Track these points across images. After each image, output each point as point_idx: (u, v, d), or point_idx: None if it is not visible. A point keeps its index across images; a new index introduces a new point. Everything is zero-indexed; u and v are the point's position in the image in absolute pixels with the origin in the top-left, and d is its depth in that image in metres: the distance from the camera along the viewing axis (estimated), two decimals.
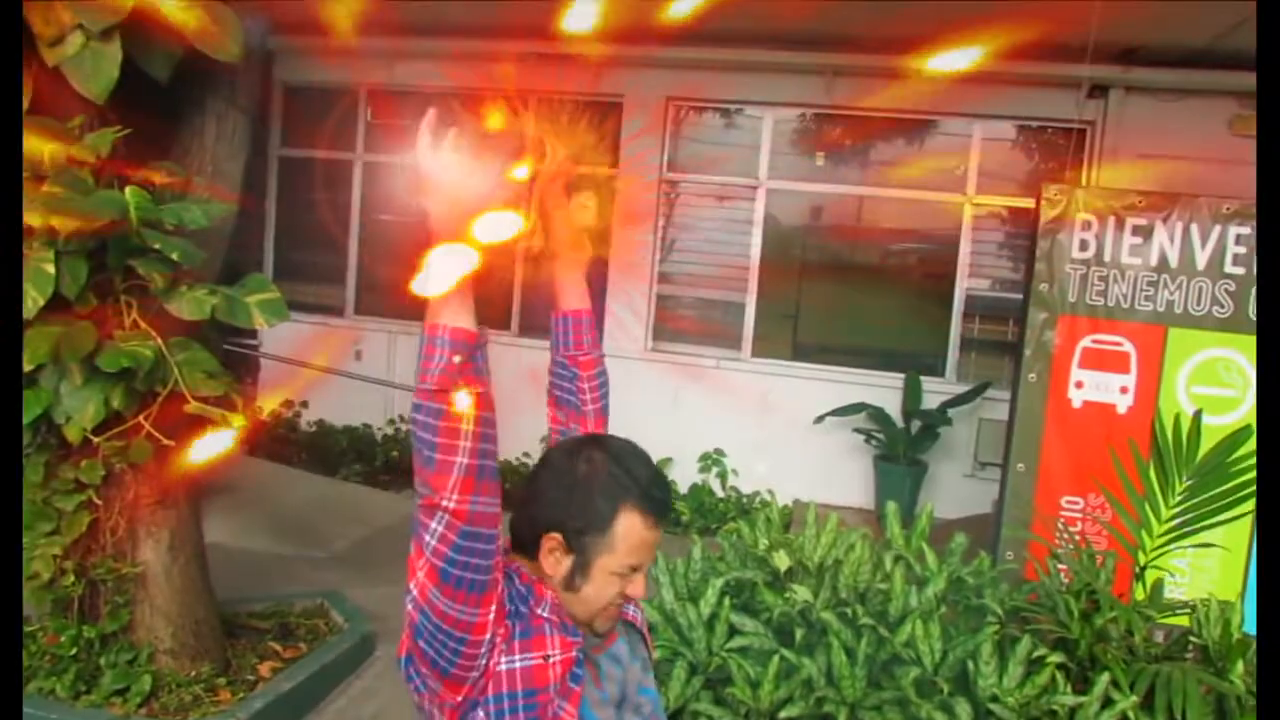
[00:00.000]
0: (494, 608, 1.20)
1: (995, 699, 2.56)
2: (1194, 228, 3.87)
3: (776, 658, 2.59)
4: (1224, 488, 3.38)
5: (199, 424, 2.97)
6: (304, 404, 7.41)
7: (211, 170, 3.37)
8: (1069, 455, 3.96)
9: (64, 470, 3.16)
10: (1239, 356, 3.83)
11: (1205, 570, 3.83)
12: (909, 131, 6.62)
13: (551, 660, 1.26)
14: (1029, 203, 5.00)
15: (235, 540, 5.05)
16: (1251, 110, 5.59)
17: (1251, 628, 2.96)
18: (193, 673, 3.42)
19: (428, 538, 1.15)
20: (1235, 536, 3.70)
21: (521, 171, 1.27)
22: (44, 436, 3.12)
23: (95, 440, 3.01)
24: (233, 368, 3.58)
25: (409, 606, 1.20)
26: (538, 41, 5.89)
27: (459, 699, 1.23)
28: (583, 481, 1.29)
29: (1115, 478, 3.56)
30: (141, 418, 3.04)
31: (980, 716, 2.54)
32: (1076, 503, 3.97)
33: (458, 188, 1.11)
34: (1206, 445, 3.49)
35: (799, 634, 2.73)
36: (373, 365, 7.18)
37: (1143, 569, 3.34)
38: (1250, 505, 3.41)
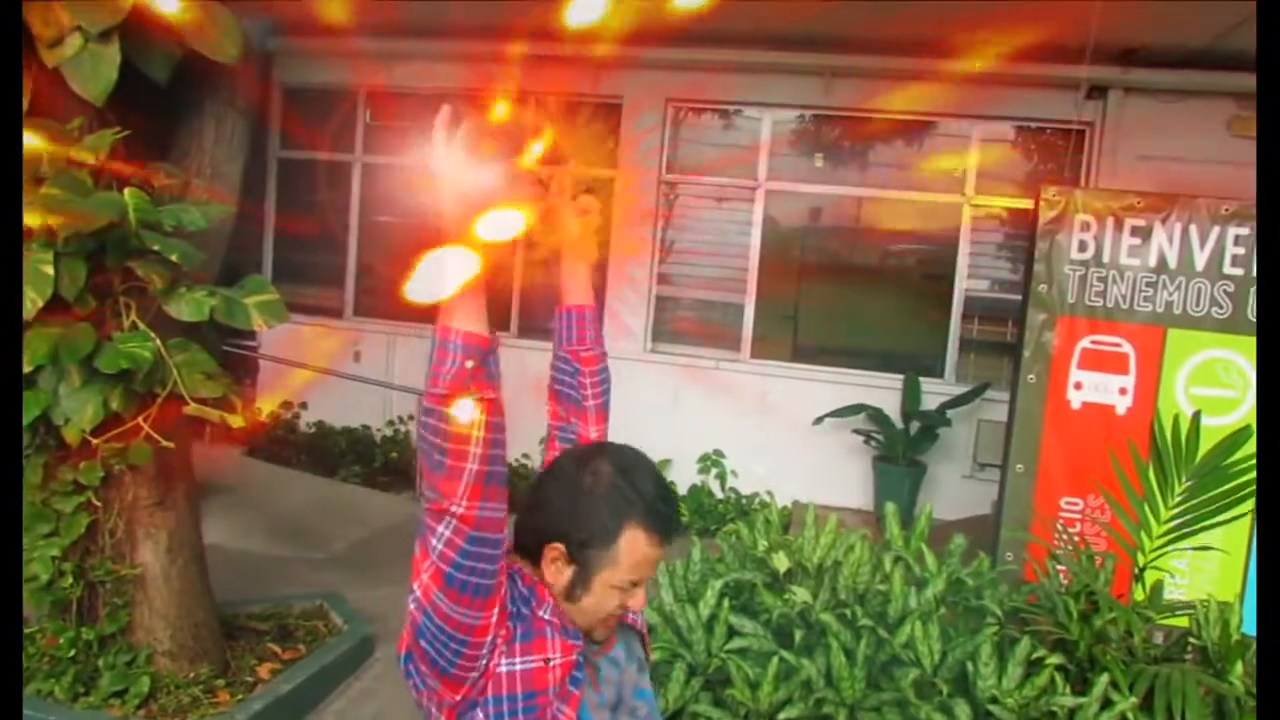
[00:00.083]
0: (496, 610, 1.20)
1: (994, 700, 2.56)
2: (1193, 229, 3.87)
3: (776, 659, 2.59)
4: (1223, 488, 3.38)
5: (198, 425, 2.97)
6: (303, 405, 7.41)
7: (210, 172, 3.37)
8: (1068, 456, 3.96)
9: (63, 472, 3.16)
10: (1238, 357, 3.84)
11: (1204, 571, 3.83)
12: (908, 133, 6.62)
13: (552, 663, 1.26)
14: (1028, 204, 5.01)
15: (234, 542, 5.05)
16: (1250, 111, 5.60)
17: (1250, 629, 2.96)
18: (191, 674, 3.41)
19: (434, 541, 1.15)
20: (1234, 538, 3.70)
21: (532, 166, 1.27)
22: (43, 438, 3.11)
23: (94, 442, 3.01)
24: (231, 369, 3.58)
25: (411, 606, 1.20)
26: (537, 43, 5.89)
27: (457, 698, 1.23)
28: (589, 494, 1.29)
29: (1114, 479, 3.56)
30: (140, 419, 3.04)
31: (979, 718, 2.54)
32: (1076, 504, 3.97)
33: (471, 186, 1.09)
34: (1205, 446, 3.49)
35: (798, 635, 2.73)
36: (372, 367, 7.18)
37: (1142, 570, 3.35)
38: (1249, 506, 3.41)
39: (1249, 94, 5.40)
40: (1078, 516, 3.96)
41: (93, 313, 2.95)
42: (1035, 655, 2.68)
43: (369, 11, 5.58)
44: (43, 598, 3.21)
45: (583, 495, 1.29)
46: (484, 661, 1.21)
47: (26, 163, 2.74)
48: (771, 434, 6.55)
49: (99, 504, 3.25)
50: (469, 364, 1.11)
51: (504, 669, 1.23)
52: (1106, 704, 2.56)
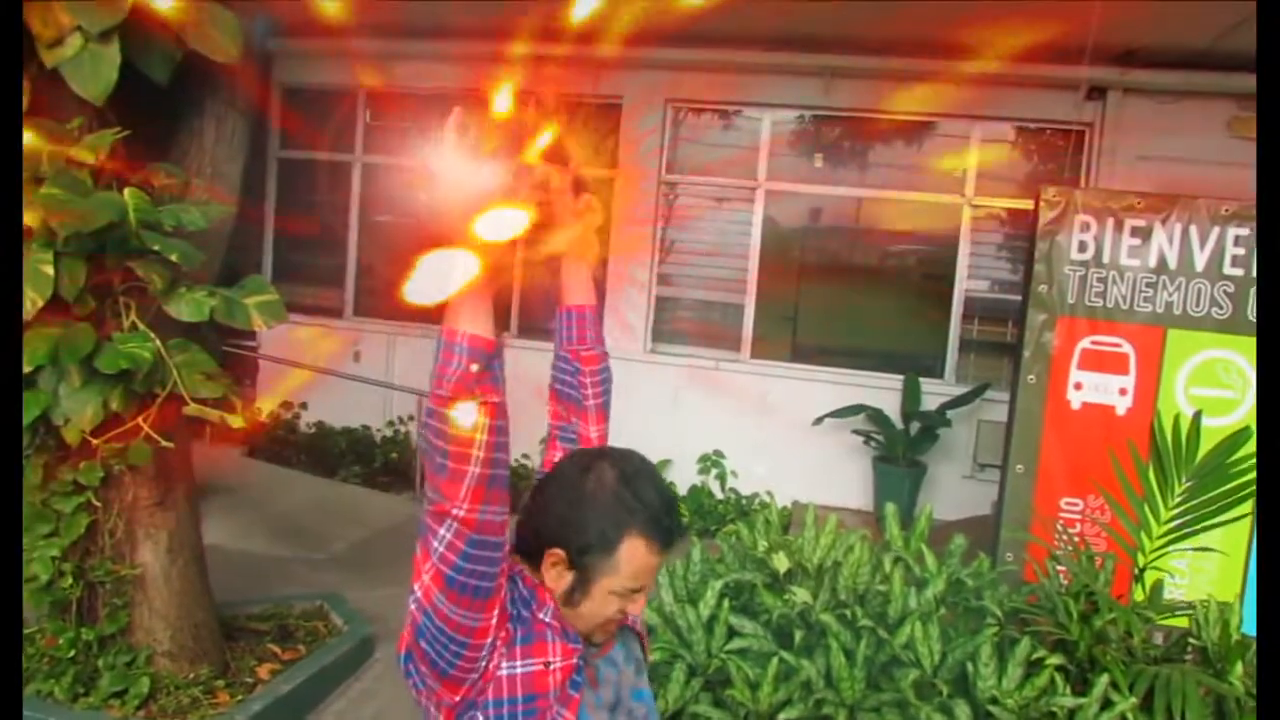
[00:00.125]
0: (497, 612, 1.20)
1: (994, 701, 2.56)
2: (1193, 229, 3.87)
3: (776, 659, 2.59)
4: (1223, 489, 3.38)
5: (198, 425, 2.97)
6: (303, 405, 7.41)
7: (210, 172, 3.37)
8: (1068, 457, 3.96)
9: (62, 472, 3.16)
10: (1238, 358, 3.84)
11: (1204, 571, 3.83)
12: (908, 133, 6.62)
13: (552, 667, 1.25)
14: (1028, 204, 5.01)
15: (234, 542, 5.05)
16: (1249, 112, 5.60)
17: (1250, 629, 2.96)
18: (191, 675, 3.41)
19: (435, 543, 1.14)
20: (1234, 539, 3.70)
21: (536, 161, 1.26)
22: (42, 438, 3.11)
23: (94, 442, 3.01)
24: (231, 369, 3.58)
25: (412, 606, 1.20)
26: (537, 43, 5.89)
27: (457, 699, 1.23)
28: (590, 501, 1.28)
29: (1114, 479, 3.57)
30: (140, 419, 3.04)
31: (979, 718, 2.54)
32: (1075, 504, 3.97)
33: (478, 187, 1.08)
34: (1205, 447, 3.49)
35: (798, 636, 2.73)
36: (371, 367, 7.18)
37: (1142, 570, 3.35)
38: (1249, 506, 3.41)
39: (1248, 94, 5.40)
40: (1078, 517, 3.96)
41: (92, 313, 2.95)
42: (1035, 656, 2.68)
43: (369, 12, 5.58)
44: (42, 598, 3.21)
45: (584, 502, 1.28)
46: (483, 663, 1.21)
47: (26, 163, 2.74)
48: (771, 434, 6.55)
49: (99, 504, 3.25)
50: (473, 367, 1.10)
51: (504, 672, 1.22)
52: (1106, 704, 2.56)
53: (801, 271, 6.87)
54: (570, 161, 1.46)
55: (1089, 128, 6.12)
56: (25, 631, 3.37)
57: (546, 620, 1.28)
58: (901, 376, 6.31)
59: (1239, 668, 2.76)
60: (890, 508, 3.33)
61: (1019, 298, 4.83)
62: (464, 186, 1.08)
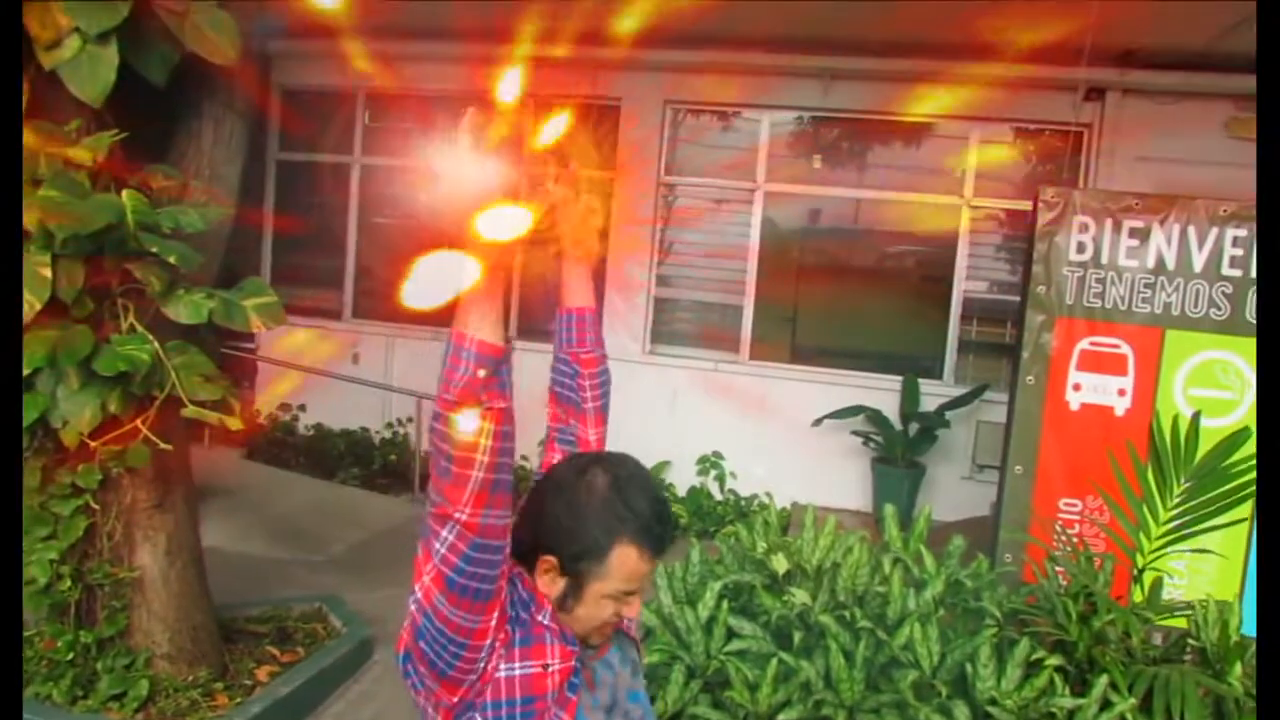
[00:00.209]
0: (496, 614, 1.21)
1: (993, 701, 2.56)
2: (1191, 230, 3.88)
3: (775, 661, 2.59)
4: (1222, 489, 3.38)
5: (196, 428, 2.97)
6: (302, 407, 7.40)
7: (209, 174, 3.37)
8: (1067, 457, 3.96)
9: (61, 474, 3.15)
10: (1236, 358, 3.84)
11: (1203, 572, 3.83)
12: (906, 134, 6.62)
13: (550, 669, 1.26)
14: (1026, 205, 5.01)
15: (233, 544, 5.04)
16: (1247, 113, 5.61)
17: (1249, 629, 2.96)
18: (190, 677, 3.41)
19: (437, 545, 1.15)
20: (1232, 540, 3.71)
21: (545, 150, 1.25)
22: (40, 440, 3.11)
23: (92, 444, 3.00)
24: (230, 371, 3.57)
25: (412, 607, 1.20)
26: (535, 45, 5.89)
27: (455, 700, 1.23)
28: (581, 509, 1.28)
29: (1113, 480, 3.57)
30: (138, 421, 3.03)
31: (978, 719, 2.54)
32: (1074, 505, 3.97)
33: (486, 189, 1.08)
34: (1204, 447, 3.50)
35: (797, 637, 2.73)
36: (370, 369, 7.18)
37: (1141, 571, 3.35)
38: (1248, 507, 3.41)
39: (1246, 95, 5.41)
40: (1076, 518, 3.96)
41: (91, 315, 2.94)
42: (1034, 656, 2.68)
43: (368, 13, 5.58)
44: (41, 601, 3.21)
45: (576, 509, 1.28)
46: (482, 664, 1.21)
47: (24, 164, 2.74)
48: (770, 435, 6.55)
49: (97, 507, 3.24)
50: (481, 373, 1.10)
51: (503, 673, 1.23)
52: (1105, 705, 2.56)
53: (800, 273, 6.88)
54: (571, 163, 1.46)
55: (1087, 128, 6.12)
56: (24, 634, 3.37)
57: (545, 623, 1.28)
58: (900, 378, 6.32)
59: (1238, 668, 2.76)
60: (889, 509, 3.33)
61: (1018, 298, 4.83)
62: (470, 186, 1.08)
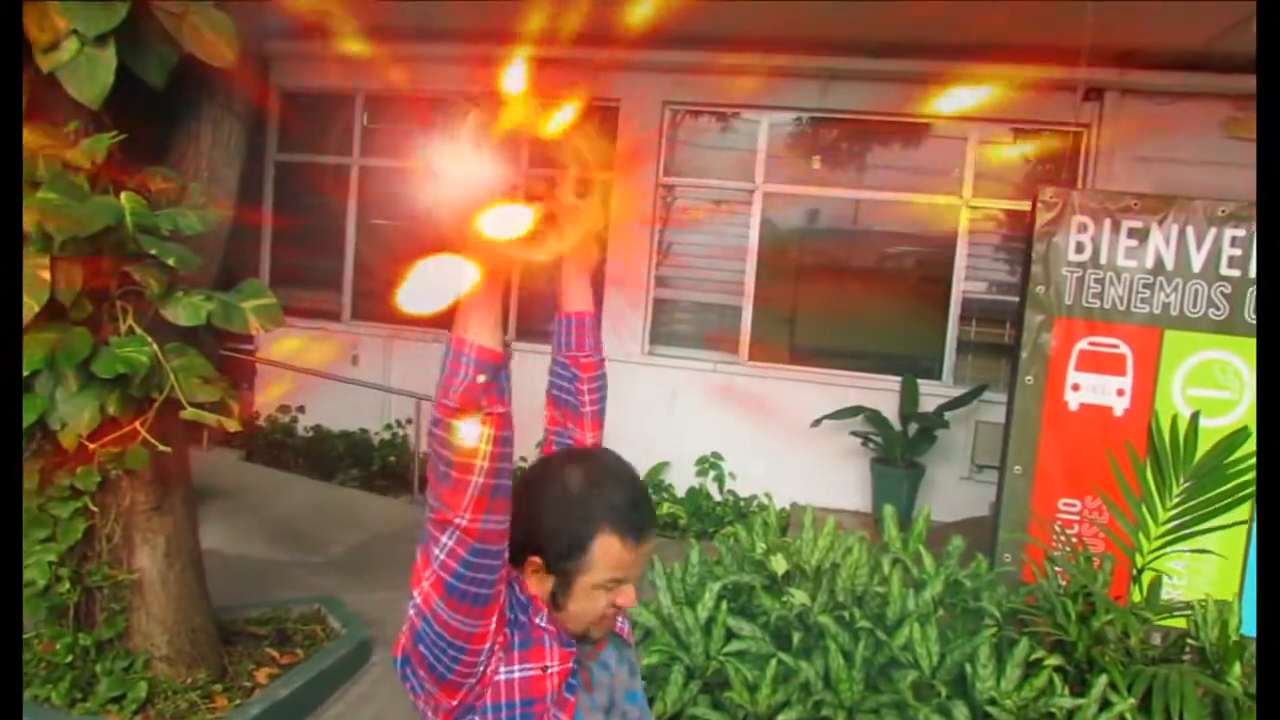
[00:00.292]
0: (495, 618, 1.21)
1: (993, 702, 2.56)
2: (1189, 230, 3.88)
3: (774, 661, 2.59)
4: (1221, 489, 3.38)
5: (195, 430, 2.96)
6: (301, 409, 7.40)
7: (207, 175, 3.37)
8: (1066, 458, 3.97)
9: (59, 477, 3.15)
10: (1235, 359, 3.84)
11: (1202, 572, 3.83)
12: (905, 135, 6.63)
13: (549, 671, 1.26)
14: (1025, 205, 5.01)
15: (232, 546, 5.04)
16: (1245, 113, 5.61)
17: (1248, 629, 2.96)
18: (189, 680, 3.41)
19: (437, 550, 1.15)
20: (1232, 539, 3.71)
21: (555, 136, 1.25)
22: (39, 443, 3.10)
23: (91, 446, 3.00)
24: (229, 373, 3.57)
25: (411, 612, 1.20)
26: (534, 46, 5.89)
27: (454, 703, 1.23)
28: (558, 506, 1.29)
29: (1112, 480, 3.57)
30: (137, 424, 3.03)
31: (977, 719, 2.54)
32: (1074, 505, 3.97)
33: (488, 189, 1.07)
34: (1203, 447, 3.50)
35: (796, 637, 2.73)
36: (369, 370, 7.18)
37: (1140, 571, 3.35)
38: (1247, 507, 3.42)
39: (1245, 95, 5.41)
40: (1075, 518, 3.96)
41: (89, 317, 2.94)
42: (1033, 656, 2.68)
43: (366, 14, 5.58)
44: (39, 603, 3.21)
45: (553, 509, 1.29)
46: (481, 667, 1.21)
47: (23, 167, 2.74)
48: (769, 436, 6.55)
49: (96, 509, 3.24)
50: (481, 379, 1.10)
51: (502, 676, 1.23)
52: (1105, 705, 2.56)
53: (799, 273, 6.88)
54: (572, 166, 1.46)
55: (1086, 129, 6.12)
56: (23, 636, 3.36)
57: (543, 625, 1.28)
58: (899, 378, 6.32)
59: (1237, 668, 2.76)
60: (888, 509, 3.33)
61: (1016, 299, 4.84)
62: (468, 185, 1.07)
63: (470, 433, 1.10)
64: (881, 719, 2.50)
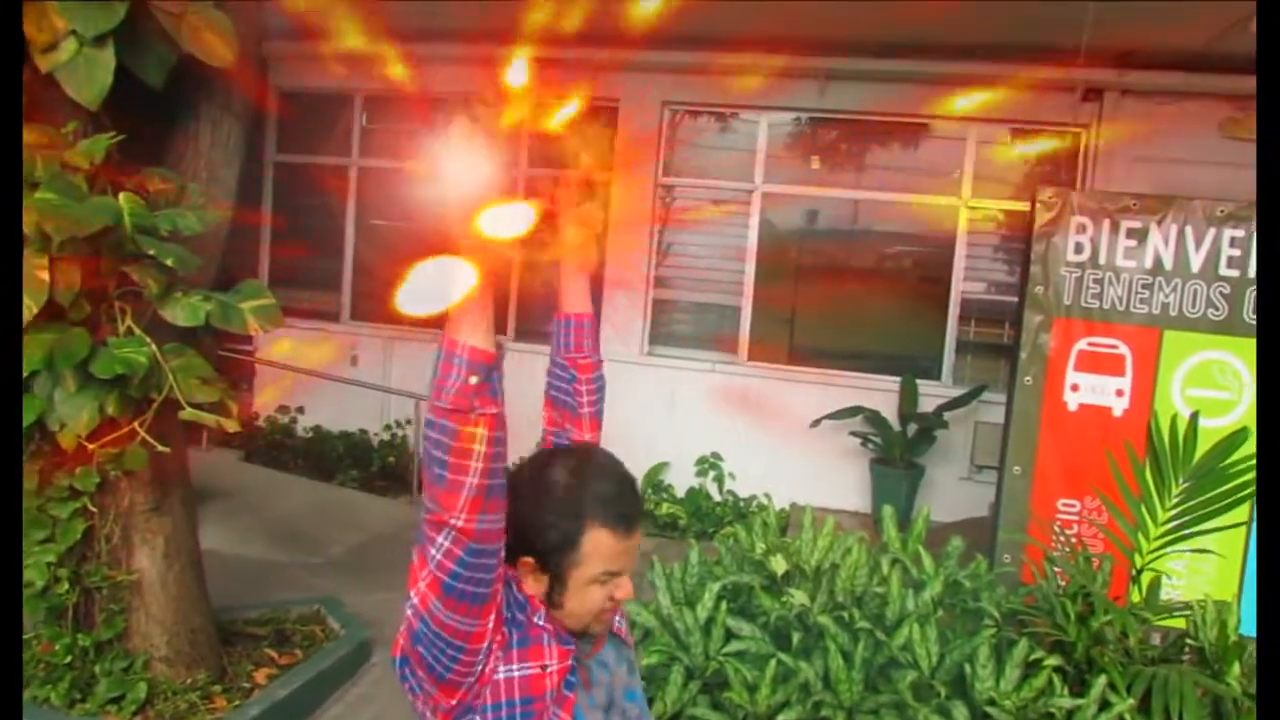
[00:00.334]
0: (493, 617, 1.21)
1: (992, 702, 2.56)
2: (1188, 230, 3.88)
3: (774, 662, 2.59)
4: (1221, 489, 3.38)
5: (194, 430, 2.96)
6: (300, 410, 7.40)
7: (206, 176, 3.36)
8: (1065, 458, 3.97)
9: (58, 477, 3.15)
10: (1234, 359, 3.84)
11: (1201, 572, 3.83)
12: (904, 135, 6.63)
13: (549, 669, 1.27)
14: (1024, 206, 5.02)
15: (231, 547, 5.03)
16: (1244, 113, 5.61)
17: (1248, 629, 2.96)
18: (188, 680, 3.40)
19: (433, 551, 1.15)
20: (1231, 539, 3.71)
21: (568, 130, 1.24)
22: (38, 443, 3.10)
23: (89, 447, 3.00)
24: (227, 374, 3.57)
25: (408, 612, 1.20)
26: (533, 46, 5.89)
27: (453, 703, 1.24)
28: (546, 504, 1.29)
29: (1111, 480, 3.57)
30: (136, 424, 3.03)
31: (977, 719, 2.54)
32: (1073, 505, 3.97)
33: (482, 188, 1.07)
34: (1202, 447, 3.50)
35: (796, 638, 2.73)
36: (369, 371, 7.17)
37: (1139, 571, 3.35)
38: (1247, 507, 3.42)
39: (1243, 96, 5.41)
40: (1075, 518, 3.96)
41: (88, 318, 2.94)
42: (1033, 657, 2.68)
43: (364, 15, 5.58)
44: (39, 604, 3.20)
45: (540, 507, 1.29)
46: (480, 666, 1.22)
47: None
48: (769, 436, 6.55)
49: (95, 510, 3.24)
50: (473, 380, 1.10)
51: (502, 675, 1.23)
52: (1104, 705, 2.56)
53: (798, 274, 6.88)
54: (570, 168, 1.46)
55: (1085, 129, 6.12)
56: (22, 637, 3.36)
57: (541, 624, 1.29)
58: (899, 378, 6.32)
59: (1236, 668, 2.76)
60: (888, 509, 3.33)
61: (1015, 299, 4.84)
62: (461, 184, 1.07)
63: (464, 434, 1.10)
64: (881, 719, 2.50)
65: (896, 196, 6.60)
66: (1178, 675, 2.66)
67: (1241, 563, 3.81)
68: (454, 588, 1.15)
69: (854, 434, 6.35)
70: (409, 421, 6.96)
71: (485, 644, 1.21)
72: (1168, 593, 3.53)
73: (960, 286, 6.47)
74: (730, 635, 2.74)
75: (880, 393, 6.34)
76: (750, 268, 6.73)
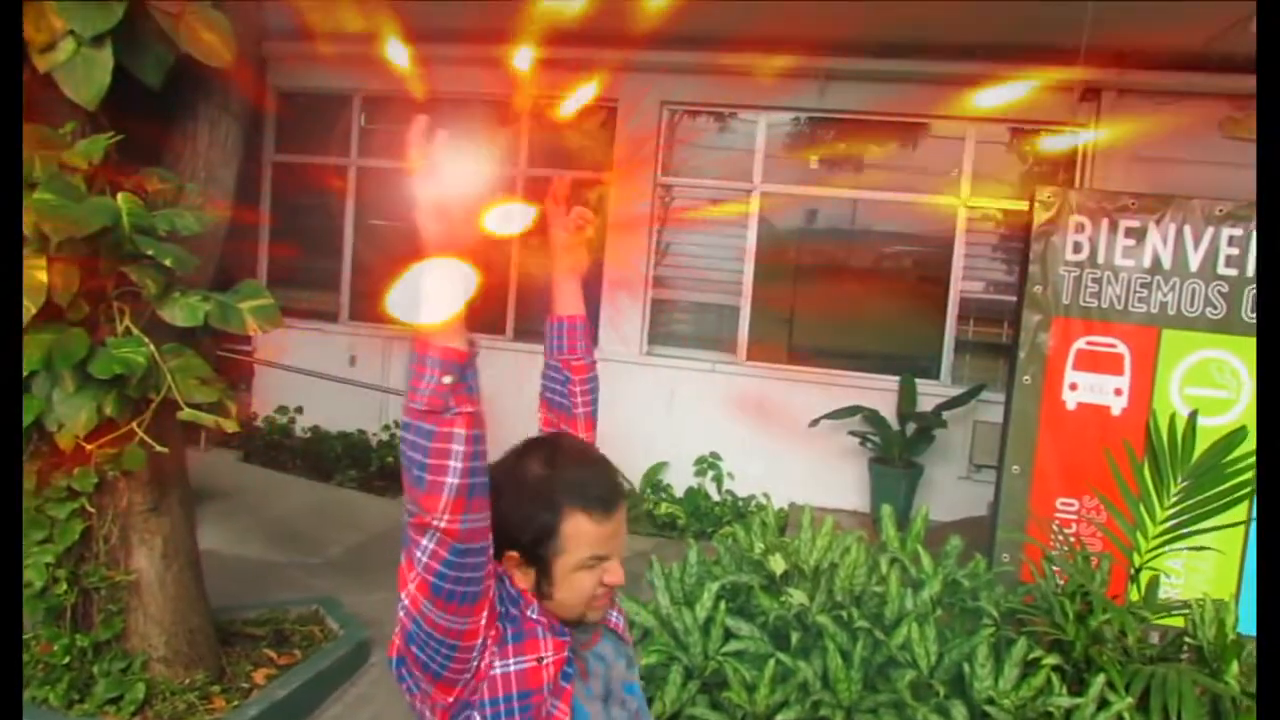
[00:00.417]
0: (485, 614, 1.21)
1: (991, 701, 2.56)
2: (1187, 229, 3.88)
3: (772, 661, 2.59)
4: (1219, 488, 3.39)
5: (193, 430, 2.96)
6: (299, 410, 7.40)
7: (204, 176, 3.36)
8: (1063, 457, 3.97)
9: (56, 478, 3.15)
10: (1232, 358, 3.84)
11: (1200, 571, 3.83)
12: (903, 135, 6.63)
13: (545, 662, 1.27)
14: (1023, 205, 5.02)
15: (229, 547, 5.03)
16: (1244, 113, 5.62)
17: (1246, 628, 2.97)
18: (187, 681, 3.40)
19: (419, 553, 1.15)
20: (1230, 538, 3.71)
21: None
22: (36, 444, 3.10)
23: (88, 447, 2.99)
24: (226, 374, 3.57)
25: (401, 614, 1.21)
26: (532, 46, 5.89)
27: (450, 700, 1.24)
28: (523, 495, 1.29)
29: (1110, 479, 3.57)
30: (134, 424, 3.03)
31: (976, 718, 2.54)
32: (1071, 505, 3.97)
33: (454, 197, 1.07)
34: (1200, 446, 3.50)
35: (795, 637, 2.73)
36: (367, 371, 7.17)
37: (1138, 570, 3.35)
38: (1246, 506, 3.42)
39: (1242, 95, 5.42)
40: (1073, 517, 3.96)
41: (86, 318, 2.94)
42: (1031, 656, 2.68)
43: (363, 15, 5.58)
44: (37, 605, 3.20)
45: (516, 500, 1.29)
46: (475, 663, 1.22)
47: None
48: (768, 436, 6.55)
49: (93, 510, 3.24)
50: (446, 379, 1.09)
51: (498, 670, 1.24)
52: (1103, 704, 2.56)
53: (797, 273, 6.88)
54: (564, 171, 1.48)
55: (1084, 128, 6.12)
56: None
57: (534, 617, 1.30)
58: (897, 378, 6.32)
59: (1235, 667, 2.76)
60: (886, 509, 3.33)
61: (1014, 298, 4.84)
62: (439, 196, 1.07)
63: (441, 434, 1.10)
64: (880, 718, 2.50)
65: (895, 196, 6.60)
66: (1176, 674, 2.66)
67: (1240, 561, 3.82)
68: (442, 588, 1.15)
69: (853, 433, 6.35)
70: None
71: (479, 641, 1.21)
72: (1166, 591, 3.54)
73: (959, 286, 6.47)
74: (729, 635, 2.74)
75: (879, 392, 6.34)
76: (749, 267, 6.73)
